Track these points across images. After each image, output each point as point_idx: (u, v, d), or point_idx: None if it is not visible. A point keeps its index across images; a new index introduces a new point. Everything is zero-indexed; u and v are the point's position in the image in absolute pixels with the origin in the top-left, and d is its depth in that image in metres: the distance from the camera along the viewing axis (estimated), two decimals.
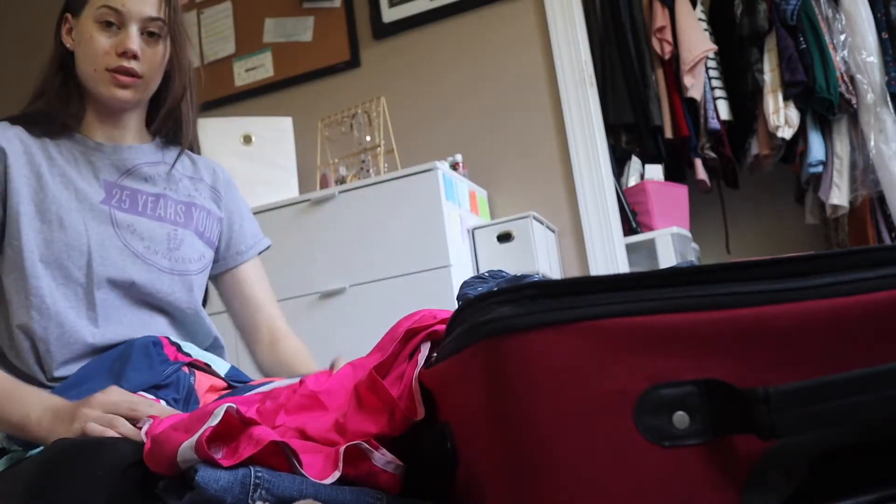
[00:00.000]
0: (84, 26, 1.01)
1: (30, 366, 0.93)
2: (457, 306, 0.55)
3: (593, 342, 0.45)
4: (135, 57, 0.99)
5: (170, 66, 1.06)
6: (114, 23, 0.99)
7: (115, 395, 0.76)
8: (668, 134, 2.73)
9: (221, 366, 1.01)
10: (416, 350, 0.65)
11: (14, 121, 1.03)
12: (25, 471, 0.67)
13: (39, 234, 0.95)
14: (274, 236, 1.31)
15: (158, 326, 1.01)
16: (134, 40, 0.99)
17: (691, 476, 0.44)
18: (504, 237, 2.18)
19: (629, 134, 2.77)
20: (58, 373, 0.93)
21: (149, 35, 1.01)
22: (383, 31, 2.68)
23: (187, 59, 1.08)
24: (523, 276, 0.77)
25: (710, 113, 2.72)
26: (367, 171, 2.37)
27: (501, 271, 0.99)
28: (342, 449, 0.59)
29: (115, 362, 0.90)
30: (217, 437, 0.57)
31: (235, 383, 0.98)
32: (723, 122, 2.73)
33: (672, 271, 0.47)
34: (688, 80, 2.67)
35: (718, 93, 2.76)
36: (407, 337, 0.66)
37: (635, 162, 2.76)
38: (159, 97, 1.09)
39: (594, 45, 2.70)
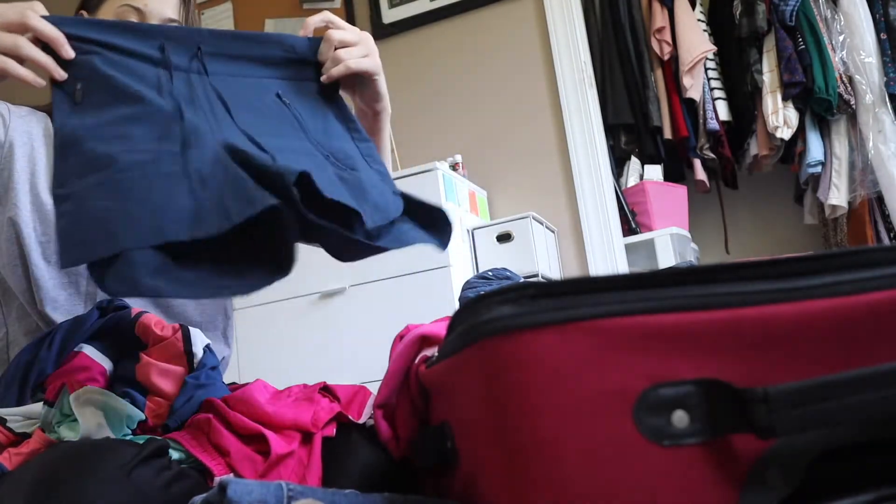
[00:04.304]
0: None
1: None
2: (458, 307, 0.56)
3: (592, 342, 0.45)
4: None
5: None
6: (134, 21, 1.01)
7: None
8: (668, 134, 2.73)
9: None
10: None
11: (37, 108, 1.05)
12: (26, 475, 0.67)
13: (38, 228, 0.96)
14: None
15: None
16: None
17: (690, 475, 0.44)
18: (504, 237, 2.18)
19: (628, 134, 2.77)
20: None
21: None
22: (383, 31, 2.68)
23: None
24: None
25: (710, 113, 2.72)
26: None
27: (505, 269, 1.00)
28: None
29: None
30: None
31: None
32: (722, 123, 2.74)
33: (671, 271, 0.47)
34: (687, 81, 2.67)
35: (717, 93, 2.76)
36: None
37: (634, 162, 2.76)
38: None
39: (594, 45, 2.70)
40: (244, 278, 0.70)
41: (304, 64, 0.86)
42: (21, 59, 0.74)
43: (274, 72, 0.85)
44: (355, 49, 0.87)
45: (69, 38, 0.77)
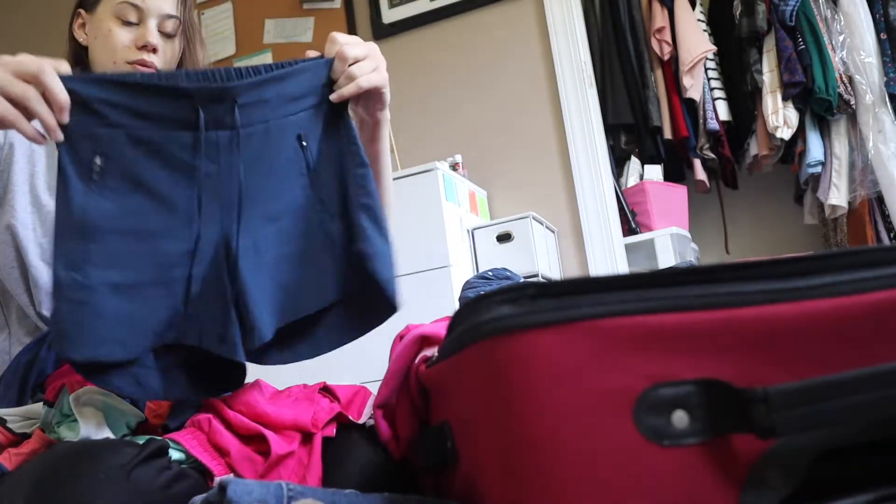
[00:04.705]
0: (101, 21, 1.02)
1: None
2: (458, 307, 0.56)
3: (593, 342, 0.45)
4: (154, 51, 1.02)
5: (181, 65, 1.08)
6: (133, 19, 1.01)
7: (23, 56, 0.75)
8: (668, 134, 2.73)
9: None
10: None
11: None
12: (27, 475, 0.67)
13: (36, 228, 0.96)
14: None
15: None
16: (153, 35, 1.01)
17: (691, 475, 0.44)
18: (504, 237, 2.18)
19: (628, 134, 2.77)
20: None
21: (165, 34, 1.03)
22: (383, 31, 2.68)
23: (200, 60, 1.10)
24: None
25: (709, 113, 2.72)
26: None
27: (505, 269, 1.00)
28: None
29: None
30: None
31: None
32: (722, 123, 2.74)
33: (672, 271, 0.47)
34: (687, 81, 2.67)
35: (717, 93, 2.76)
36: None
37: (634, 162, 2.76)
38: None
39: (594, 45, 2.70)
40: (215, 384, 0.80)
41: (324, 87, 0.87)
42: (26, 110, 0.74)
43: (302, 103, 0.85)
44: (365, 64, 0.87)
45: (97, 101, 0.76)
